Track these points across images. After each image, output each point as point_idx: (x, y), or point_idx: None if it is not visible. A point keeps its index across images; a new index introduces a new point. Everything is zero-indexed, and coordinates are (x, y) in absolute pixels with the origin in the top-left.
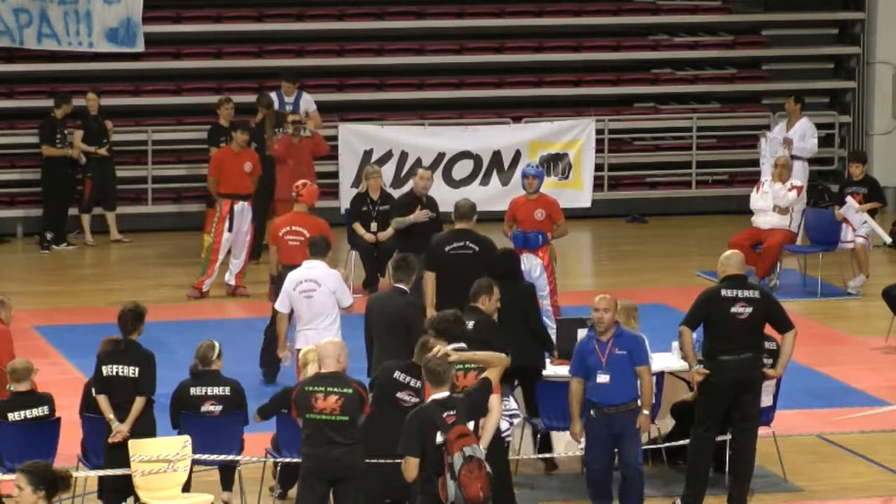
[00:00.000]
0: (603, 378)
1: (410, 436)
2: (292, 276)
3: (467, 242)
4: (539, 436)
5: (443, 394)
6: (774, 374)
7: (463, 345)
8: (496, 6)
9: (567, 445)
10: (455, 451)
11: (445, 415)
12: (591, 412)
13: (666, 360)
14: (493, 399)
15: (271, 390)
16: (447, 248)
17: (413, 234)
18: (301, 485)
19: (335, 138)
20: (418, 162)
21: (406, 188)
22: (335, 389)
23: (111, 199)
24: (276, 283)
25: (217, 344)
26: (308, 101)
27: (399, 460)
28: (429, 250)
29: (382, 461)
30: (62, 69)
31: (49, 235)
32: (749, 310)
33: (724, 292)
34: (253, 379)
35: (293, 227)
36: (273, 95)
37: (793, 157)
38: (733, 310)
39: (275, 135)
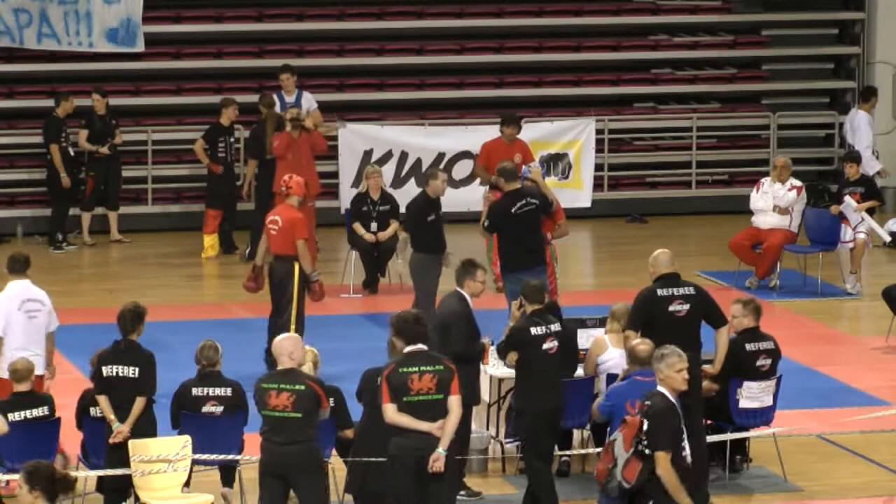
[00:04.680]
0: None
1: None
2: (13, 294)
3: (528, 199)
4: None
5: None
6: (713, 370)
7: None
8: (496, 6)
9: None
10: (617, 430)
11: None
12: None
13: None
14: (453, 401)
15: None
16: (513, 210)
17: (426, 231)
18: (259, 480)
19: (335, 138)
20: (418, 162)
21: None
22: (287, 387)
23: (115, 199)
24: (257, 272)
25: (218, 345)
26: (309, 100)
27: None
28: (495, 215)
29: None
30: (62, 69)
31: (60, 236)
32: (686, 307)
33: (660, 292)
34: (253, 378)
35: (274, 217)
36: (275, 96)
37: None
38: (671, 308)
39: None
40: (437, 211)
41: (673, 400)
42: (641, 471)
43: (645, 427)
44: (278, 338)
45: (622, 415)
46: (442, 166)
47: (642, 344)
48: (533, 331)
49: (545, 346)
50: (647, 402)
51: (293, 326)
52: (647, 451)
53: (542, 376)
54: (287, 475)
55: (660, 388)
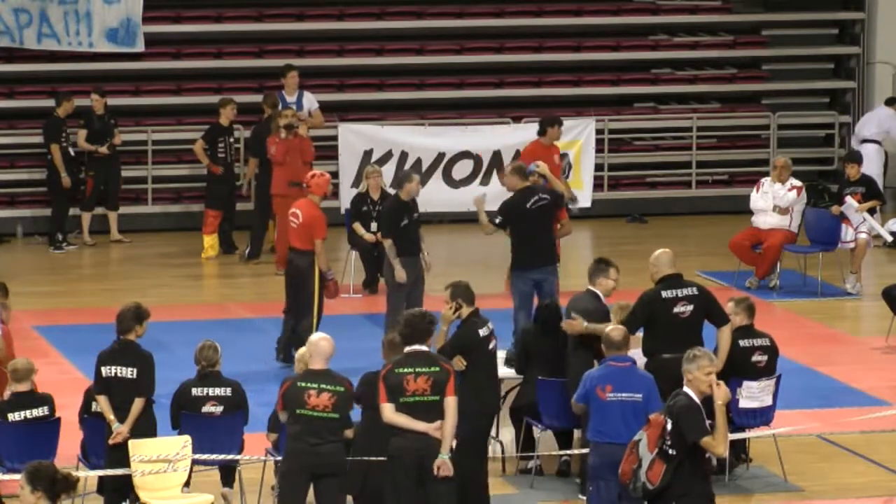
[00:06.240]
0: None
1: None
2: None
3: (540, 195)
4: (522, 437)
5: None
6: (714, 368)
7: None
8: (496, 6)
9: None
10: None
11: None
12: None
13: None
14: (450, 402)
15: (273, 388)
16: (528, 205)
17: (401, 236)
18: (283, 480)
19: (335, 138)
20: (418, 162)
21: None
22: (328, 387)
23: (115, 199)
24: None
25: (218, 345)
26: (311, 100)
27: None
28: (509, 211)
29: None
30: (62, 69)
31: (60, 236)
32: (690, 308)
33: (664, 293)
34: (253, 378)
35: (294, 210)
36: (276, 96)
37: None
38: (675, 310)
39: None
40: (411, 214)
41: (697, 401)
42: (665, 472)
43: (669, 426)
44: (316, 337)
45: (595, 399)
46: (442, 166)
47: (615, 330)
48: (480, 332)
49: (490, 346)
50: (671, 402)
51: (315, 326)
52: (671, 452)
53: (488, 376)
54: (316, 475)
55: (685, 389)
